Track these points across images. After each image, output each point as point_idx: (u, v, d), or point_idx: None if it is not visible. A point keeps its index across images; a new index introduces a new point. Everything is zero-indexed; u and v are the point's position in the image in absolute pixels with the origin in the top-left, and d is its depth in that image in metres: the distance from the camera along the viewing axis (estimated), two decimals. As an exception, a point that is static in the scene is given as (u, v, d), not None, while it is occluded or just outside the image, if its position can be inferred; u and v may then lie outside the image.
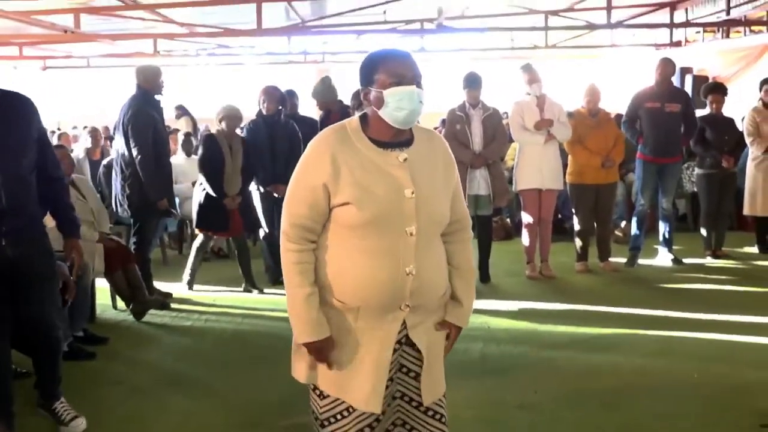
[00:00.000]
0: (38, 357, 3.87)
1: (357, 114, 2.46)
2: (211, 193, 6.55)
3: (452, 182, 2.44)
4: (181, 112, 13.63)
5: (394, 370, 2.41)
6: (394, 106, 2.28)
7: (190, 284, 6.88)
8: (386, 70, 2.30)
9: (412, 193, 2.28)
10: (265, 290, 6.78)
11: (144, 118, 6.09)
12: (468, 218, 2.55)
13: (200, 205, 6.67)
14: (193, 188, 8.27)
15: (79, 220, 3.93)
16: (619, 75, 15.74)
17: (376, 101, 2.31)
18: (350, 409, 2.38)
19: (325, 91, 7.37)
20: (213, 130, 6.91)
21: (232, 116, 6.63)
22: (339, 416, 2.40)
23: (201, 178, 6.71)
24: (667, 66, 7.25)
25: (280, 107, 6.93)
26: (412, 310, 2.36)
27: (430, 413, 2.46)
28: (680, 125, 7.25)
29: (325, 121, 7.03)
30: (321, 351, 2.36)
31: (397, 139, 2.35)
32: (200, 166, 6.65)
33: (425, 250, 2.33)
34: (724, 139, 7.71)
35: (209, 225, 6.72)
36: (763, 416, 3.74)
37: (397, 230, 2.28)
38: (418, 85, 2.31)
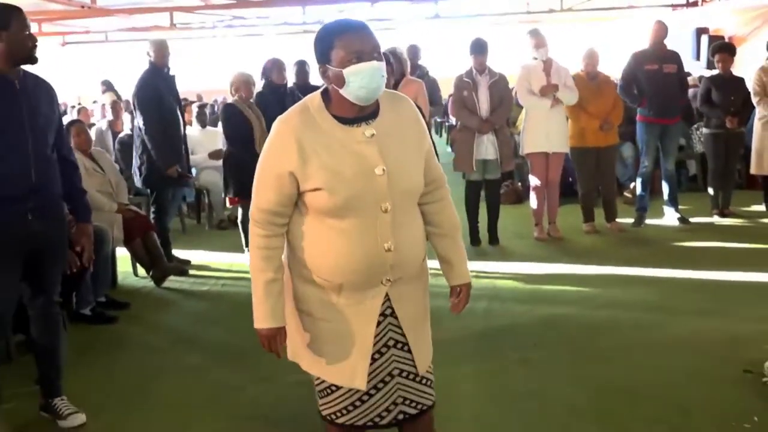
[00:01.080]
0: (37, 340, 3.77)
1: None
2: (244, 158, 6.40)
3: (424, 146, 2.37)
4: (106, 87, 13.89)
5: (382, 345, 2.38)
6: (356, 85, 2.17)
7: None
8: (343, 45, 2.16)
9: (383, 170, 2.22)
10: None
11: (148, 91, 6.33)
12: (443, 176, 2.48)
13: (233, 175, 6.59)
14: (208, 158, 8.54)
15: (90, 206, 4.01)
16: (636, 37, 15.62)
17: (336, 80, 2.19)
18: (333, 387, 2.40)
19: None
20: (230, 100, 6.90)
21: (248, 81, 6.71)
22: (328, 390, 2.43)
23: (228, 149, 6.76)
24: (660, 28, 7.39)
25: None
26: (394, 284, 2.34)
27: (424, 381, 2.46)
28: (678, 86, 7.37)
29: None
30: (270, 340, 2.34)
31: (362, 113, 2.26)
32: (228, 138, 6.70)
33: (403, 224, 2.30)
34: (730, 99, 7.75)
35: (249, 191, 6.70)
36: (749, 365, 3.91)
37: (372, 208, 2.23)
38: (378, 58, 2.19)
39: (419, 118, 2.41)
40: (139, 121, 6.39)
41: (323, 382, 2.43)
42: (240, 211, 6.81)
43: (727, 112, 7.74)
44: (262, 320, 2.33)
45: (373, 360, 2.37)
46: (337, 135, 2.23)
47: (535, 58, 7.13)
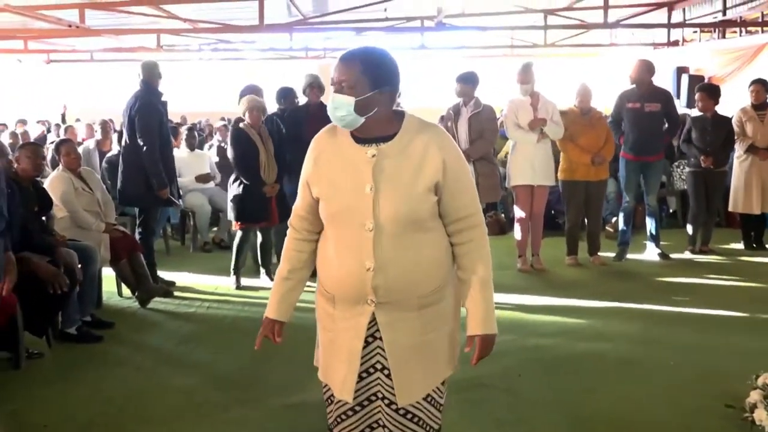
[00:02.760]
0: None
1: None
2: (248, 184, 6.59)
3: (431, 179, 2.35)
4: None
5: (369, 366, 2.45)
6: (329, 109, 2.38)
7: (237, 282, 6.81)
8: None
9: (371, 189, 2.32)
10: None
11: (151, 110, 6.41)
12: (476, 216, 2.45)
13: (238, 199, 6.64)
14: (194, 181, 8.58)
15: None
16: (617, 74, 15.94)
17: None
18: (333, 396, 2.53)
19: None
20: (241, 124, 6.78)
21: (259, 107, 6.70)
22: (329, 400, 2.56)
23: (234, 174, 6.78)
24: (640, 67, 7.49)
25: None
26: (380, 307, 2.38)
27: (408, 416, 2.46)
28: (661, 124, 7.52)
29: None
30: (265, 327, 2.61)
31: (374, 134, 2.37)
32: (236, 165, 6.68)
33: (390, 247, 2.33)
34: (707, 138, 7.91)
35: (250, 217, 6.66)
36: (730, 399, 4.00)
37: (357, 225, 2.34)
38: (338, 90, 2.33)
39: (445, 150, 2.38)
40: (139, 140, 6.39)
41: (327, 389, 2.56)
42: (238, 235, 6.83)
43: (704, 151, 7.89)
44: (267, 310, 2.62)
45: (361, 378, 2.45)
46: (348, 151, 2.39)
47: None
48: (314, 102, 7.18)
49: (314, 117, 6.82)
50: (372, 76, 2.32)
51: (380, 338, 2.42)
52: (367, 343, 2.43)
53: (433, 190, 2.37)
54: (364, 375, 2.45)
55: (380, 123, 2.36)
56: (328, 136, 2.46)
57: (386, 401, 2.46)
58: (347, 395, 2.44)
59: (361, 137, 2.39)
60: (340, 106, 2.32)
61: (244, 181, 6.62)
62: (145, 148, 6.39)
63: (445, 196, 2.39)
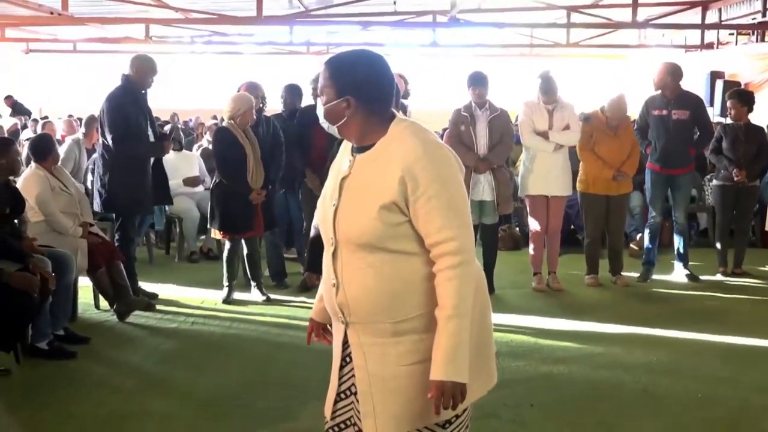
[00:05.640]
0: None
1: None
2: (235, 189, 6.56)
3: (388, 197, 2.31)
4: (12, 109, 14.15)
5: (346, 388, 2.54)
6: None
7: (228, 296, 6.77)
8: None
9: (335, 203, 2.42)
10: (272, 297, 6.83)
11: (121, 110, 6.38)
12: (447, 243, 2.31)
13: (221, 207, 6.62)
14: (182, 185, 8.57)
15: None
16: (646, 78, 15.93)
17: None
18: None
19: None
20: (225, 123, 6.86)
21: (252, 105, 6.66)
22: None
23: (215, 178, 6.78)
24: (666, 70, 7.43)
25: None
26: (352, 327, 2.45)
27: None
28: (691, 133, 7.47)
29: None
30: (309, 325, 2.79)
31: (359, 143, 2.45)
32: (221, 168, 6.66)
33: (348, 266, 2.40)
34: (740, 150, 7.81)
35: (236, 227, 6.64)
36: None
37: (327, 239, 2.46)
38: (320, 94, 2.46)
39: (401, 168, 2.30)
40: (107, 139, 6.42)
41: None
42: (227, 246, 6.80)
43: (736, 164, 7.80)
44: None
45: (340, 398, 2.56)
46: (344, 159, 2.49)
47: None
48: None
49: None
50: (339, 83, 2.38)
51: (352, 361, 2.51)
52: (346, 362, 2.53)
53: (393, 209, 2.32)
54: (343, 396, 2.56)
55: (359, 132, 2.41)
56: (346, 141, 2.54)
57: (356, 428, 2.52)
58: (327, 412, 2.60)
59: (356, 146, 2.48)
60: (319, 113, 2.47)
61: (229, 186, 6.57)
62: (112, 143, 6.35)
63: (413, 219, 2.33)
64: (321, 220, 2.50)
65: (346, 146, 2.53)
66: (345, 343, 2.51)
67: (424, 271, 2.36)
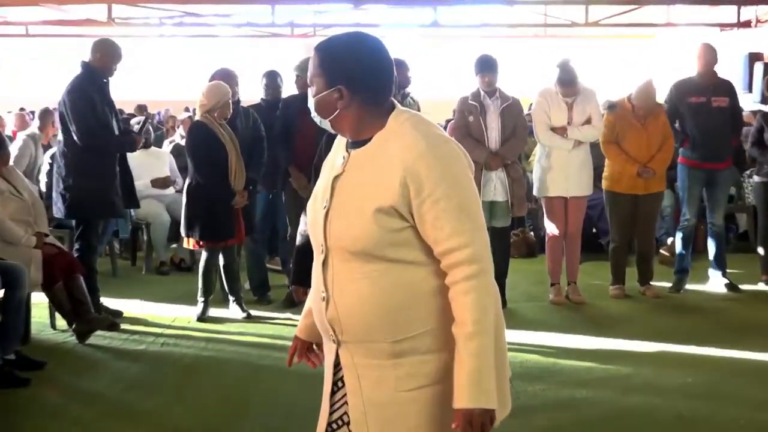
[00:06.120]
0: None
1: None
2: (214, 192, 6.54)
3: (388, 200, 2.29)
4: None
5: (338, 417, 2.50)
6: None
7: (203, 313, 6.72)
8: None
9: (326, 204, 2.39)
10: (253, 313, 6.80)
11: (89, 100, 6.36)
12: (460, 251, 2.28)
13: (198, 212, 6.57)
14: (150, 186, 8.53)
15: None
16: (676, 59, 15.94)
17: None
18: None
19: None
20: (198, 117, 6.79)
21: (227, 99, 6.59)
22: None
23: (189, 179, 6.76)
24: (708, 52, 7.44)
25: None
26: (344, 346, 2.40)
27: None
28: (729, 123, 7.47)
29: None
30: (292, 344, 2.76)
31: (354, 138, 2.42)
32: (197, 166, 6.62)
33: (340, 276, 2.37)
34: (787, 142, 7.81)
35: (215, 234, 6.60)
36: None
37: (317, 245, 2.43)
38: (310, 84, 2.45)
39: (402, 168, 2.28)
40: (73, 134, 6.39)
41: None
42: (204, 256, 6.78)
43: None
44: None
45: (331, 429, 2.52)
46: (337, 155, 2.47)
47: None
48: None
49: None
50: (330, 72, 2.36)
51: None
52: (338, 388, 2.49)
53: (392, 214, 2.29)
54: (335, 426, 2.51)
55: (354, 126, 2.39)
56: (340, 138, 2.53)
57: None
58: (319, 429, 2.55)
59: (350, 141, 2.45)
60: (310, 105, 2.44)
61: (208, 188, 6.55)
62: (80, 137, 6.33)
63: (418, 225, 2.30)
64: (310, 225, 2.47)
65: (340, 141, 2.50)
66: (337, 365, 2.46)
67: (428, 283, 2.34)
